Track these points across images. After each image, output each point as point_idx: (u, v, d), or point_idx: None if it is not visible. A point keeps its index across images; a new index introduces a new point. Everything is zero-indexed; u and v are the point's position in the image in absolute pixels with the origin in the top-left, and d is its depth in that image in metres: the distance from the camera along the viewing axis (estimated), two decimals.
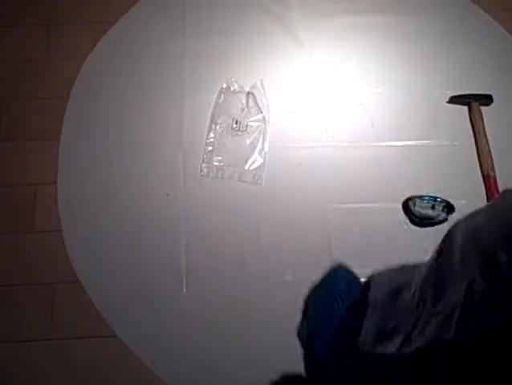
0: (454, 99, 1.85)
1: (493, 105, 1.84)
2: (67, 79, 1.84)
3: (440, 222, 1.63)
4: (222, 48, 1.90)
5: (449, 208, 1.63)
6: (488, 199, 1.66)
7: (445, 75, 1.90)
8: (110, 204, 1.66)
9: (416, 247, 1.47)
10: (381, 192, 1.69)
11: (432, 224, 1.64)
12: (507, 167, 1.72)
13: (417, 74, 1.90)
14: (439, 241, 0.85)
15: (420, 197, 1.65)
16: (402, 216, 1.67)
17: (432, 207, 1.63)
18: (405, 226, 1.66)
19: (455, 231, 0.72)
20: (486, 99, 1.84)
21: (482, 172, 1.71)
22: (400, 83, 1.88)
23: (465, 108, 1.84)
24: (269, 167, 1.72)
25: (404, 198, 1.68)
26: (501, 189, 1.67)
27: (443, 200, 1.64)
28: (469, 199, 1.66)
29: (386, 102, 1.85)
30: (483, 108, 1.83)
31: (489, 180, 1.68)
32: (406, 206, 1.67)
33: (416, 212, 1.63)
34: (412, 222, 1.66)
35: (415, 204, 1.64)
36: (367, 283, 1.18)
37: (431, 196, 1.65)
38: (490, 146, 1.75)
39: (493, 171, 1.70)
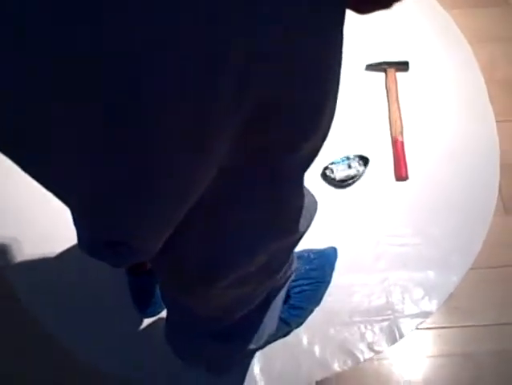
0: (371, 67, 1.87)
1: (410, 71, 1.87)
2: None
3: (361, 176, 1.69)
4: None
5: (364, 159, 1.70)
6: (394, 162, 1.69)
7: (363, 43, 1.92)
8: None
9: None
10: None
11: (355, 181, 1.69)
12: (415, 130, 1.75)
13: None
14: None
15: (333, 163, 1.69)
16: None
17: (349, 166, 1.67)
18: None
19: None
20: (403, 66, 1.87)
21: (392, 136, 1.74)
22: None
23: (383, 75, 1.87)
24: None
25: (320, 169, 1.71)
26: (407, 152, 1.69)
27: (355, 156, 1.69)
28: (378, 161, 1.71)
29: None
30: (400, 74, 1.86)
31: (396, 143, 1.71)
32: (325, 176, 1.70)
33: (337, 178, 1.67)
34: (336, 187, 1.70)
35: (333, 171, 1.67)
36: None
37: (343, 157, 1.69)
38: (402, 111, 1.77)
39: (401, 135, 1.72)
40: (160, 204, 0.61)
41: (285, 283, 1.19)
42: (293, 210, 0.82)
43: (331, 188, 1.69)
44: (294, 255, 1.16)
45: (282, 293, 1.21)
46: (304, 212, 0.87)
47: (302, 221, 0.89)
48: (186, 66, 0.44)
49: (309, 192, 1.05)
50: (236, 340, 1.16)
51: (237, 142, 0.57)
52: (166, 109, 0.47)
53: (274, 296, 1.17)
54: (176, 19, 0.42)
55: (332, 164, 1.69)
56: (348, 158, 1.69)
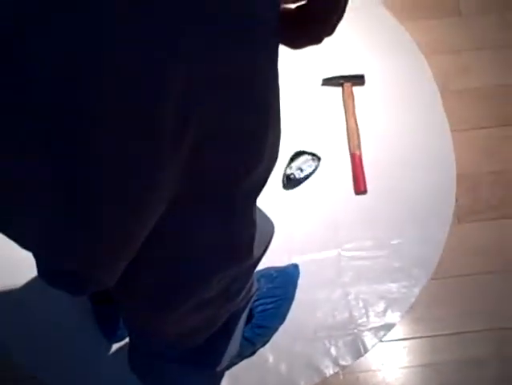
0: (327, 82, 1.89)
1: (366, 85, 1.89)
2: None
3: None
4: None
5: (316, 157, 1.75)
6: (353, 176, 1.71)
7: (319, 58, 1.93)
8: None
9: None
10: None
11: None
12: (372, 144, 1.77)
13: (290, 59, 1.92)
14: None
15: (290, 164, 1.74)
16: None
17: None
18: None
19: None
20: (359, 79, 1.89)
21: (350, 150, 1.75)
22: None
23: (339, 90, 1.89)
24: None
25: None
26: (365, 166, 1.71)
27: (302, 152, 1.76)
28: (337, 175, 1.73)
29: None
30: (357, 88, 1.88)
31: (354, 157, 1.73)
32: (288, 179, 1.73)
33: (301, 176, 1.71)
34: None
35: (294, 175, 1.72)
36: None
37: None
38: (359, 125, 1.79)
39: (359, 149, 1.74)
40: (113, 238, 0.61)
41: (246, 305, 1.19)
42: (245, 236, 0.83)
43: (293, 204, 1.70)
44: (255, 277, 1.17)
45: (244, 315, 1.21)
46: (258, 236, 0.87)
47: (257, 246, 0.90)
48: (125, 88, 0.46)
49: (265, 216, 1.06)
50: (199, 364, 1.16)
51: (183, 171, 0.58)
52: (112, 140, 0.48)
53: (236, 318, 1.17)
54: (112, 42, 0.43)
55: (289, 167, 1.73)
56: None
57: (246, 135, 0.62)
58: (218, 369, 1.18)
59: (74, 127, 0.46)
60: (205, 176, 0.63)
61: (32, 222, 0.57)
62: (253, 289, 1.17)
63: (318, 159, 1.73)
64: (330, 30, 0.63)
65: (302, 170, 1.71)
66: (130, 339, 1.20)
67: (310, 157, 1.73)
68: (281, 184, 1.72)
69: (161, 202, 0.61)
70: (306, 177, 1.71)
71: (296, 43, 0.66)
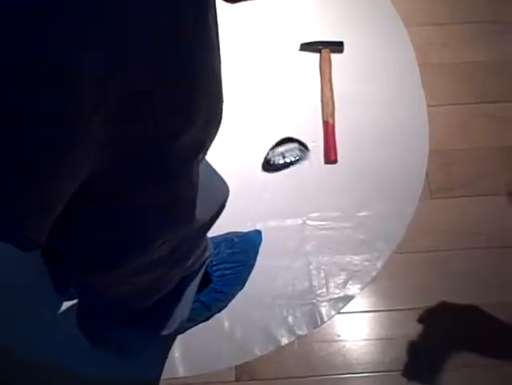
0: (305, 47, 1.85)
1: (345, 52, 1.85)
2: None
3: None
4: None
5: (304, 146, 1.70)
6: (325, 144, 1.68)
7: (298, 22, 1.89)
8: None
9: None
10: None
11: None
12: (347, 113, 1.74)
13: (269, 22, 1.89)
14: None
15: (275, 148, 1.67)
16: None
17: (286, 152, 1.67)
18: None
19: None
20: (337, 46, 1.85)
21: (322, 118, 1.72)
22: (251, 33, 1.87)
23: (317, 56, 1.85)
24: None
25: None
26: (338, 135, 1.68)
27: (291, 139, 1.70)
28: (308, 143, 1.71)
29: (237, 50, 1.84)
30: (335, 55, 1.84)
31: (327, 125, 1.70)
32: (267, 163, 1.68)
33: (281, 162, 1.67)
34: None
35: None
36: None
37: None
38: (335, 93, 1.76)
39: (332, 117, 1.72)
40: (31, 196, 0.58)
41: (199, 269, 1.17)
42: (184, 199, 0.80)
43: (260, 171, 1.67)
44: (209, 241, 1.14)
45: (196, 280, 1.19)
46: (205, 199, 0.85)
47: (204, 209, 0.87)
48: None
49: (219, 179, 1.03)
50: (146, 326, 1.14)
51: (112, 132, 0.55)
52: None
53: (187, 283, 1.15)
54: None
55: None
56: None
57: (171, 97, 0.59)
58: (164, 333, 1.16)
59: None
60: (132, 142, 0.60)
61: None
62: (207, 254, 1.15)
63: (306, 149, 1.69)
64: None
65: (284, 157, 1.66)
66: (78, 299, 1.18)
67: (297, 146, 1.68)
68: (260, 166, 1.68)
69: (81, 164, 0.58)
70: (287, 165, 1.66)
71: None
